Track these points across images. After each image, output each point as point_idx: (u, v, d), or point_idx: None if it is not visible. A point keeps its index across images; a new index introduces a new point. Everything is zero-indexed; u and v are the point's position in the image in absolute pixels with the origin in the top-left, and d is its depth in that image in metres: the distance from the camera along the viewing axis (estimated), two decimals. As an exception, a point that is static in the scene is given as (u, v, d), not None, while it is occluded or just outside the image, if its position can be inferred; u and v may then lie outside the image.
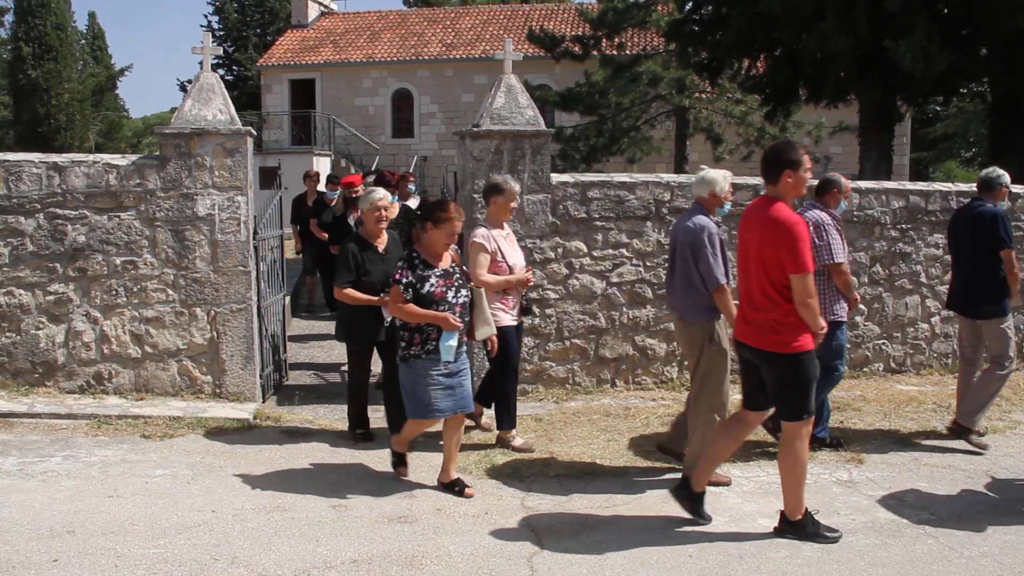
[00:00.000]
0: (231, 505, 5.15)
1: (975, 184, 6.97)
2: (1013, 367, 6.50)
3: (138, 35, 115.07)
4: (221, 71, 41.79)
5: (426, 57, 31.24)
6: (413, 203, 9.75)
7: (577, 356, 7.79)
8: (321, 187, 12.15)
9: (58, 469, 5.69)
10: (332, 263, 9.46)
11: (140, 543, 4.58)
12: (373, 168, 26.15)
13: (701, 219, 5.53)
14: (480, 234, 6.19)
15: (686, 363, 7.94)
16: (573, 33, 22.67)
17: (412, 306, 5.25)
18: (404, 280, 5.27)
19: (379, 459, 6.07)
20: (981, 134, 30.82)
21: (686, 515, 5.05)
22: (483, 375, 6.81)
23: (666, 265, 7.86)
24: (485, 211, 7.41)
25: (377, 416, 6.66)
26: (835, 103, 15.78)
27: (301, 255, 12.58)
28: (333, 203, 10.66)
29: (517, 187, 6.39)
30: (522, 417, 7.03)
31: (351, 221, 7.88)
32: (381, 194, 6.31)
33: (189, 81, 41.05)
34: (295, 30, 33.94)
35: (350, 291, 6.17)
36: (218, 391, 7.22)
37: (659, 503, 5.33)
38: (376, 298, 6.13)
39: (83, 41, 44.31)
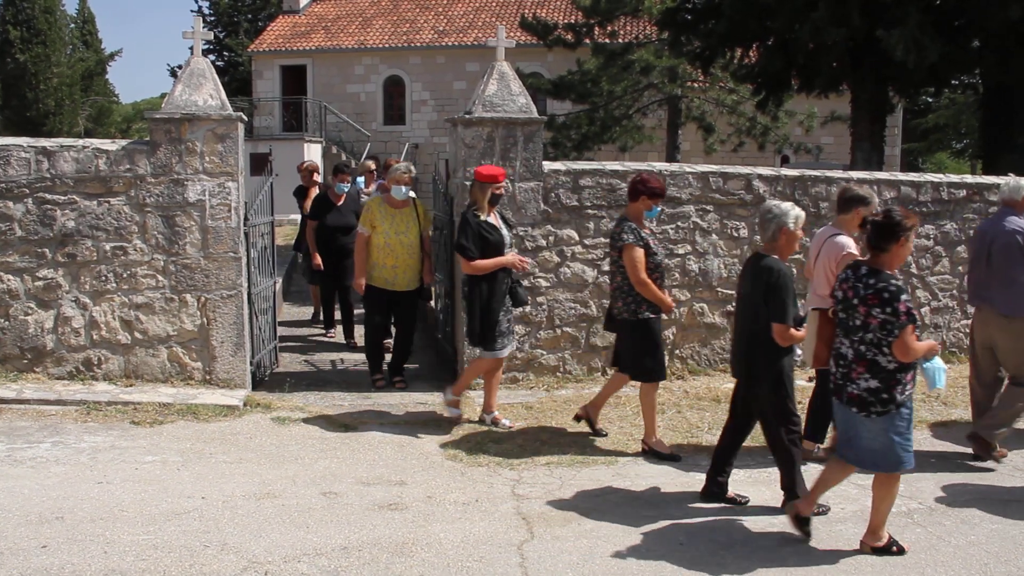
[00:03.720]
0: (221, 492, 5.14)
1: (966, 176, 6.97)
2: None
3: (128, 20, 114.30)
4: (212, 57, 41.49)
5: (418, 44, 31.13)
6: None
7: (568, 344, 7.79)
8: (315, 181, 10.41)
9: (47, 455, 5.67)
10: (346, 275, 8.85)
11: (130, 529, 4.57)
12: (364, 155, 26.12)
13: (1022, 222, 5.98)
14: (850, 244, 5.71)
15: (677, 351, 7.96)
16: (566, 21, 22.57)
17: (918, 342, 4.43)
18: (912, 313, 4.36)
19: (368, 445, 6.07)
20: (972, 126, 30.90)
21: (674, 504, 5.10)
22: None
23: (665, 253, 7.91)
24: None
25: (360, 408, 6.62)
26: (827, 93, 15.78)
27: (300, 259, 10.76)
28: (341, 200, 9.08)
29: (877, 201, 6.04)
30: (512, 405, 7.05)
31: (493, 221, 6.45)
32: (801, 214, 5.06)
33: (179, 67, 40.77)
34: (286, 16, 33.76)
35: (795, 332, 4.98)
36: (208, 378, 7.20)
37: (649, 491, 5.35)
38: (801, 332, 5.04)
39: (72, 25, 43.96)
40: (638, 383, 6.17)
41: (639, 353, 6.05)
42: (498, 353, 6.47)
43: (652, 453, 6.04)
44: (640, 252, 5.89)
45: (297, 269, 11.72)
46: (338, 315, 9.60)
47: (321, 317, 10.10)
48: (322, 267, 9.05)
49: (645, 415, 6.14)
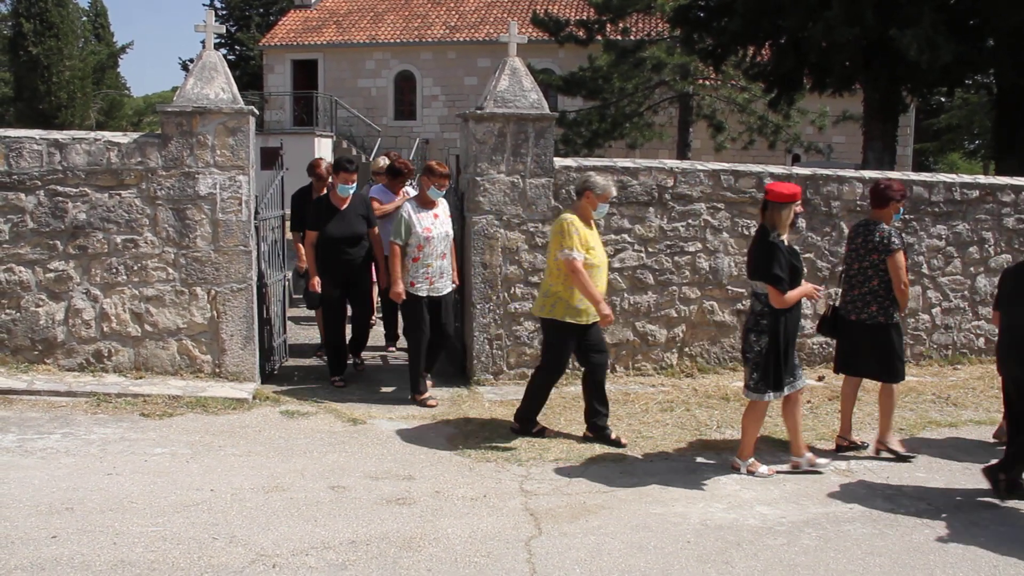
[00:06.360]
0: (230, 484, 5.15)
1: (979, 176, 6.92)
2: None
3: (140, 13, 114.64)
4: (223, 51, 41.63)
5: (429, 39, 31.15)
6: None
7: (577, 341, 7.77)
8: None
9: (57, 446, 5.70)
10: (362, 298, 7.62)
11: (139, 521, 4.59)
12: (375, 151, 26.14)
13: None
14: None
15: (686, 349, 7.97)
16: (577, 17, 22.56)
17: None
18: None
19: (377, 439, 6.08)
20: (985, 126, 30.78)
21: (682, 501, 5.09)
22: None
23: (676, 251, 7.90)
24: (493, 195, 7.41)
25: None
26: (839, 92, 15.74)
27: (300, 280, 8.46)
28: (345, 204, 7.34)
29: None
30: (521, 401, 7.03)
31: (794, 246, 5.73)
32: None
33: (191, 60, 40.90)
34: (298, 10, 33.84)
35: None
36: (217, 371, 7.22)
37: (657, 489, 5.34)
38: None
39: (84, 18, 44.12)
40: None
41: (892, 355, 6.00)
42: (784, 392, 5.64)
43: (892, 453, 6.04)
44: (903, 257, 5.96)
45: (316, 317, 8.65)
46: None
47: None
48: (319, 289, 7.38)
49: (884, 416, 6.08)
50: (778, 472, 5.68)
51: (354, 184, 7.42)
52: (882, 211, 6.06)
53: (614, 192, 6.35)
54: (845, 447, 6.15)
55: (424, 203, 7.00)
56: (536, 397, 6.34)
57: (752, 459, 5.74)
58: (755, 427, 5.73)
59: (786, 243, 5.57)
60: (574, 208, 6.22)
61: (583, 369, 6.36)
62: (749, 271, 5.74)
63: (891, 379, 6.06)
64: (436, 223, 6.96)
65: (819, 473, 5.69)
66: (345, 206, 7.37)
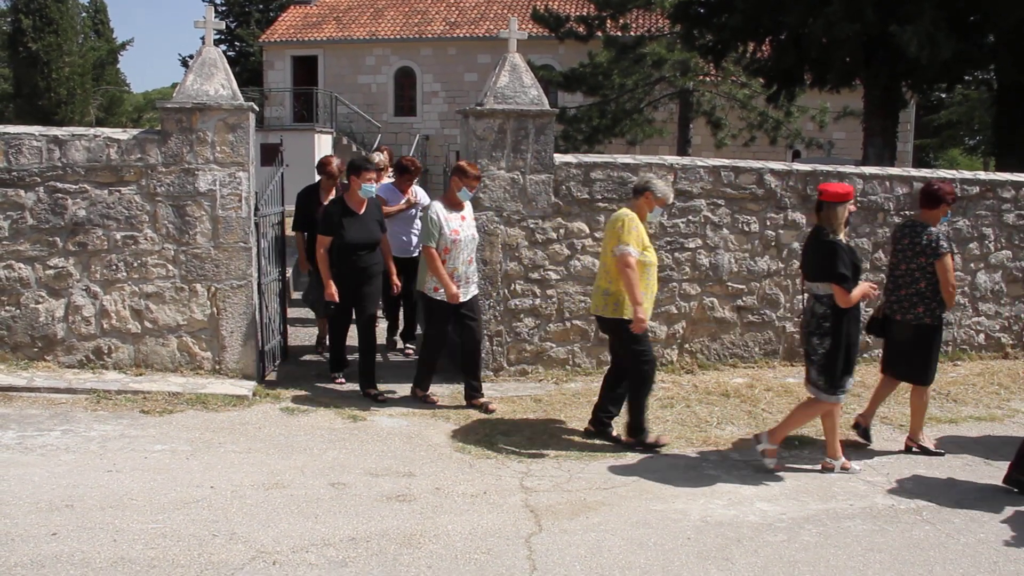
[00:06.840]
0: (230, 481, 5.15)
1: (979, 172, 6.92)
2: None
3: (140, 9, 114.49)
4: (223, 47, 41.57)
5: (429, 35, 31.14)
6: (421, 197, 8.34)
7: (578, 337, 7.78)
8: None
9: (57, 443, 5.70)
10: (370, 304, 7.13)
11: (139, 518, 4.59)
12: (375, 147, 26.12)
13: None
14: None
15: (686, 345, 7.97)
16: (578, 13, 22.55)
17: None
18: None
19: (377, 436, 6.08)
20: (986, 122, 30.78)
21: (682, 498, 5.09)
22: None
23: (676, 247, 7.90)
24: (493, 191, 7.41)
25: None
26: (839, 88, 15.74)
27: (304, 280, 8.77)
28: (363, 207, 7.04)
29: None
30: (521, 397, 7.05)
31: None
32: None
33: (191, 56, 40.92)
34: (298, 6, 33.80)
35: None
36: (218, 367, 7.22)
37: (658, 485, 5.34)
38: None
39: (84, 14, 44.07)
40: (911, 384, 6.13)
41: (930, 358, 6.05)
42: (842, 397, 5.69)
43: (922, 450, 6.11)
44: (951, 260, 5.99)
45: (318, 325, 8.70)
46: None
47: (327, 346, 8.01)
48: (337, 299, 7.01)
49: (916, 415, 6.14)
50: (805, 471, 5.71)
51: (374, 183, 7.07)
52: (931, 212, 6.07)
53: (671, 198, 6.22)
54: (860, 427, 6.25)
55: (452, 204, 6.75)
56: (639, 403, 6.09)
57: (843, 459, 5.73)
58: (833, 426, 5.70)
59: (844, 242, 5.54)
60: (630, 206, 6.14)
61: (609, 366, 6.34)
62: (807, 273, 5.71)
63: (924, 382, 6.11)
64: (464, 225, 6.73)
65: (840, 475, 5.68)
66: (363, 210, 7.05)
